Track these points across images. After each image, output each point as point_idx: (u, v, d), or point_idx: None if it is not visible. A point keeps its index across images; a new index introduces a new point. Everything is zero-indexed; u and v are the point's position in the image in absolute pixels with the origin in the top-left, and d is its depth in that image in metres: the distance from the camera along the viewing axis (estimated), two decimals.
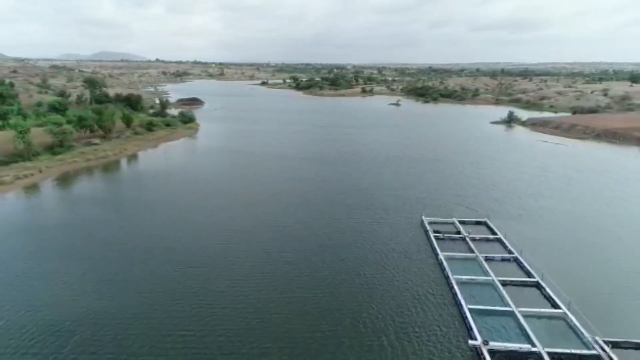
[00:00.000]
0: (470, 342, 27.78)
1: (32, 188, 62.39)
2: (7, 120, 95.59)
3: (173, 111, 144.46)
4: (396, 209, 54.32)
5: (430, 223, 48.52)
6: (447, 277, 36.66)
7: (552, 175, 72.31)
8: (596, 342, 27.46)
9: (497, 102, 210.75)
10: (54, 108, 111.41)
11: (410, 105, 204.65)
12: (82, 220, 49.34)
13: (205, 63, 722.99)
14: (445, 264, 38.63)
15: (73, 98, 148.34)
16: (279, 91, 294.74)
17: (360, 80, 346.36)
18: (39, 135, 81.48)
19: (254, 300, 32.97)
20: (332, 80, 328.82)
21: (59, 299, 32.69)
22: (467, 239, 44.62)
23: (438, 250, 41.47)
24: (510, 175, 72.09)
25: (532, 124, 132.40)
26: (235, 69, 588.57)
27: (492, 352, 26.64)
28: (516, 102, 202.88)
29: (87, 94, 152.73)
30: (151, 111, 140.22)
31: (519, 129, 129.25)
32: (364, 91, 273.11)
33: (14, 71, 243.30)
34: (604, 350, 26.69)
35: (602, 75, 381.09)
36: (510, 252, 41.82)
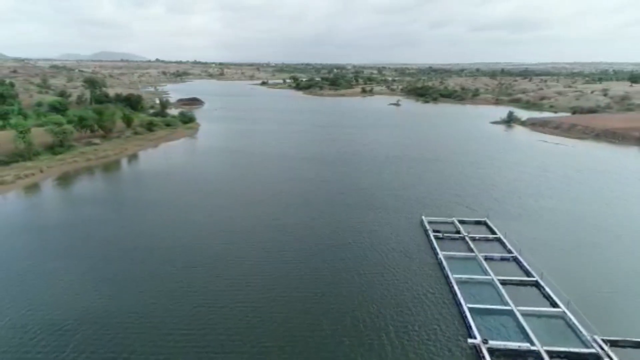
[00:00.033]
0: (470, 340, 27.94)
1: (33, 188, 62.56)
2: (8, 120, 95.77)
3: (173, 111, 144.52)
4: (396, 209, 54.47)
5: (430, 223, 48.67)
6: (446, 277, 36.81)
7: (551, 175, 72.43)
8: (595, 340, 27.59)
9: (497, 102, 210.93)
10: (55, 108, 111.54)
11: (410, 105, 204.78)
12: (82, 220, 49.51)
13: (205, 63, 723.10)
14: (444, 263, 38.78)
15: (73, 98, 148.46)
16: (279, 91, 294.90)
17: (360, 80, 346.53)
18: (39, 135, 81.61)
19: (254, 299, 33.10)
20: (332, 80, 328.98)
21: (59, 298, 32.80)
22: (467, 238, 44.75)
23: (438, 250, 41.61)
24: (510, 175, 72.23)
25: (532, 124, 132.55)
26: (235, 69, 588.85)
27: (491, 351, 26.78)
28: (516, 102, 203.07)
29: (87, 94, 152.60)
30: (151, 111, 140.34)
31: (518, 129, 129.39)
32: (364, 91, 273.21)
33: (14, 71, 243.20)
34: (602, 348, 26.83)
35: (602, 75, 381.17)
36: (509, 251, 41.96)
